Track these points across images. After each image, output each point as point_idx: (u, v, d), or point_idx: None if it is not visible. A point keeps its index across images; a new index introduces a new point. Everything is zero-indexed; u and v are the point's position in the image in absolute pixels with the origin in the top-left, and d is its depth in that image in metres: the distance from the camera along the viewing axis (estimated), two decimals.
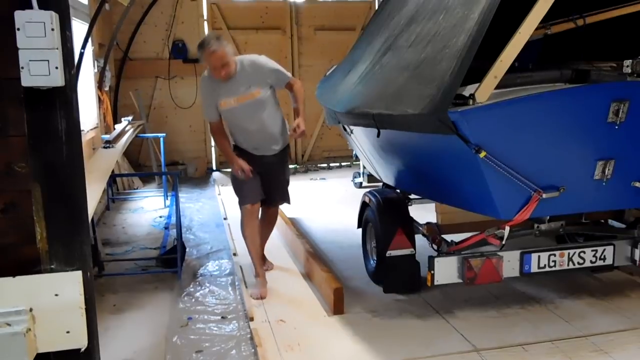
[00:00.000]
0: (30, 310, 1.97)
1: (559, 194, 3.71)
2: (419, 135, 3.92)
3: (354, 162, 9.38)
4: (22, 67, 1.91)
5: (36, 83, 1.92)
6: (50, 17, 1.92)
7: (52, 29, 1.92)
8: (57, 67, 1.92)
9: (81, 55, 6.02)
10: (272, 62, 4.81)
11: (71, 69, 2.03)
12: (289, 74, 4.88)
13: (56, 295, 1.99)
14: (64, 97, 2.01)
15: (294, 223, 6.70)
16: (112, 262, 5.91)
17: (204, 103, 4.86)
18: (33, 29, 1.90)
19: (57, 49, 1.93)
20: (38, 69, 1.90)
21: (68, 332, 2.01)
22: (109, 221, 7.76)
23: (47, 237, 2.02)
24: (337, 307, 4.49)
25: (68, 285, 2.00)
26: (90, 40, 6.65)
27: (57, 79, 1.93)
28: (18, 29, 1.90)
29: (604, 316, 4.33)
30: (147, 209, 8.45)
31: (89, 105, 7.88)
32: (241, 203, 4.91)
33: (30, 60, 1.90)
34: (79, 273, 2.02)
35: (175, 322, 4.48)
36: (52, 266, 2.03)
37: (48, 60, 1.91)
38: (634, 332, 4.07)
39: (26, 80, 1.92)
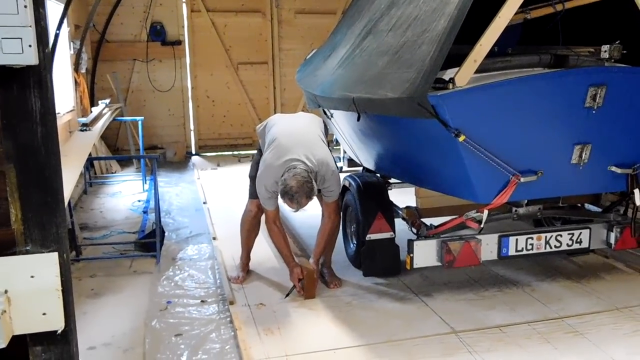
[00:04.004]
0: (6, 292, 1.94)
1: (537, 178, 3.75)
2: (398, 119, 3.92)
3: (334, 147, 9.36)
4: None
5: (9, 61, 1.87)
6: None
7: (25, 6, 1.86)
8: (30, 45, 1.87)
9: (56, 36, 5.90)
10: (337, 179, 4.52)
11: (45, 48, 1.98)
12: (336, 197, 4.58)
13: (32, 277, 1.96)
14: (38, 77, 1.95)
15: None
16: (89, 247, 5.86)
17: (262, 194, 4.44)
18: (5, 5, 1.84)
19: (31, 26, 1.88)
20: (11, 47, 1.85)
21: (44, 314, 1.98)
22: (87, 205, 7.68)
23: (22, 218, 1.98)
24: (308, 291, 4.49)
25: (44, 267, 1.97)
26: (65, 21, 6.52)
27: (30, 58, 1.88)
28: None
29: (579, 298, 4.41)
30: (125, 193, 8.37)
31: (65, 87, 7.76)
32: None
33: (2, 38, 1.85)
34: (55, 255, 1.98)
35: (154, 306, 4.47)
36: (28, 248, 1.99)
37: (21, 38, 1.86)
38: (609, 313, 4.15)
39: None
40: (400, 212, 4.87)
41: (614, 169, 3.94)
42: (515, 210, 4.36)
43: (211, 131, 11.68)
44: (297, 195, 4.14)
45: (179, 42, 11.11)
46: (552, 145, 3.79)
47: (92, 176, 9.17)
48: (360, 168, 6.05)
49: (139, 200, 7.88)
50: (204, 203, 7.57)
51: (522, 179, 3.70)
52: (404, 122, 3.88)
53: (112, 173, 9.71)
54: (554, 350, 3.68)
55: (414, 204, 4.87)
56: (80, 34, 8.77)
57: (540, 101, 3.63)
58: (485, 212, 4.01)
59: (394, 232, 4.81)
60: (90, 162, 8.84)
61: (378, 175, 5.39)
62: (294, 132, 4.53)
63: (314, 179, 4.26)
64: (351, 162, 6.84)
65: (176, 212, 7.28)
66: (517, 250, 4.25)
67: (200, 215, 7.08)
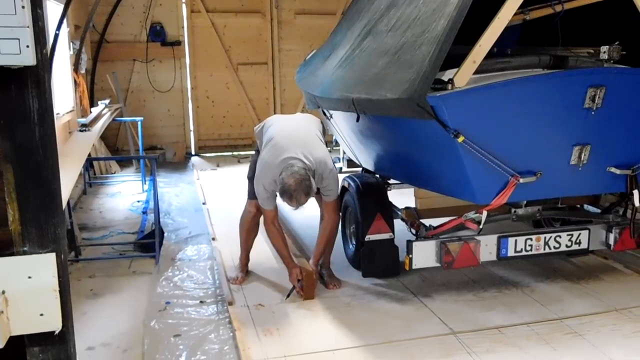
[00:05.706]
0: (3, 292, 1.94)
1: (536, 179, 3.75)
2: (398, 120, 3.92)
3: (334, 147, 9.35)
4: None
5: (6, 62, 1.87)
6: None
7: (23, 7, 1.86)
8: (28, 46, 1.87)
9: (56, 36, 5.88)
10: (336, 178, 4.54)
11: (43, 49, 1.98)
12: (335, 196, 4.59)
13: (29, 277, 1.96)
14: (35, 77, 1.96)
15: None
16: (89, 247, 5.86)
17: (260, 194, 4.44)
18: (2, 6, 1.84)
19: (28, 27, 1.88)
20: (8, 48, 1.85)
21: (42, 314, 1.98)
22: (86, 206, 7.68)
23: (19, 219, 1.98)
24: (307, 292, 4.49)
25: (41, 268, 1.97)
26: (65, 21, 6.51)
27: (28, 58, 1.88)
28: None
29: (578, 299, 4.40)
30: (125, 193, 8.37)
31: (64, 88, 7.75)
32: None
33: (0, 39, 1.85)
34: (53, 255, 1.98)
35: (153, 306, 4.47)
36: (25, 248, 1.99)
37: (19, 39, 1.86)
38: (608, 314, 4.15)
39: None
40: (400, 213, 4.87)
41: (613, 169, 3.93)
42: (515, 211, 4.36)
43: (211, 132, 11.68)
44: (296, 194, 4.14)
45: (178, 43, 11.11)
46: (551, 146, 3.78)
47: (92, 176, 9.17)
48: (360, 169, 6.05)
49: (139, 201, 7.88)
50: (204, 204, 7.57)
51: (521, 180, 3.69)
52: (403, 122, 3.87)
53: (112, 173, 9.70)
54: (553, 351, 3.67)
55: (413, 205, 4.86)
56: (80, 34, 8.76)
57: (540, 102, 3.62)
58: (484, 213, 4.00)
59: (393, 232, 4.81)
60: (89, 163, 8.83)
61: (377, 176, 5.39)
62: (291, 132, 4.54)
63: (312, 177, 4.26)
64: (350, 163, 6.84)
65: (175, 213, 7.28)
66: (516, 251, 4.24)
67: (199, 215, 7.07)
